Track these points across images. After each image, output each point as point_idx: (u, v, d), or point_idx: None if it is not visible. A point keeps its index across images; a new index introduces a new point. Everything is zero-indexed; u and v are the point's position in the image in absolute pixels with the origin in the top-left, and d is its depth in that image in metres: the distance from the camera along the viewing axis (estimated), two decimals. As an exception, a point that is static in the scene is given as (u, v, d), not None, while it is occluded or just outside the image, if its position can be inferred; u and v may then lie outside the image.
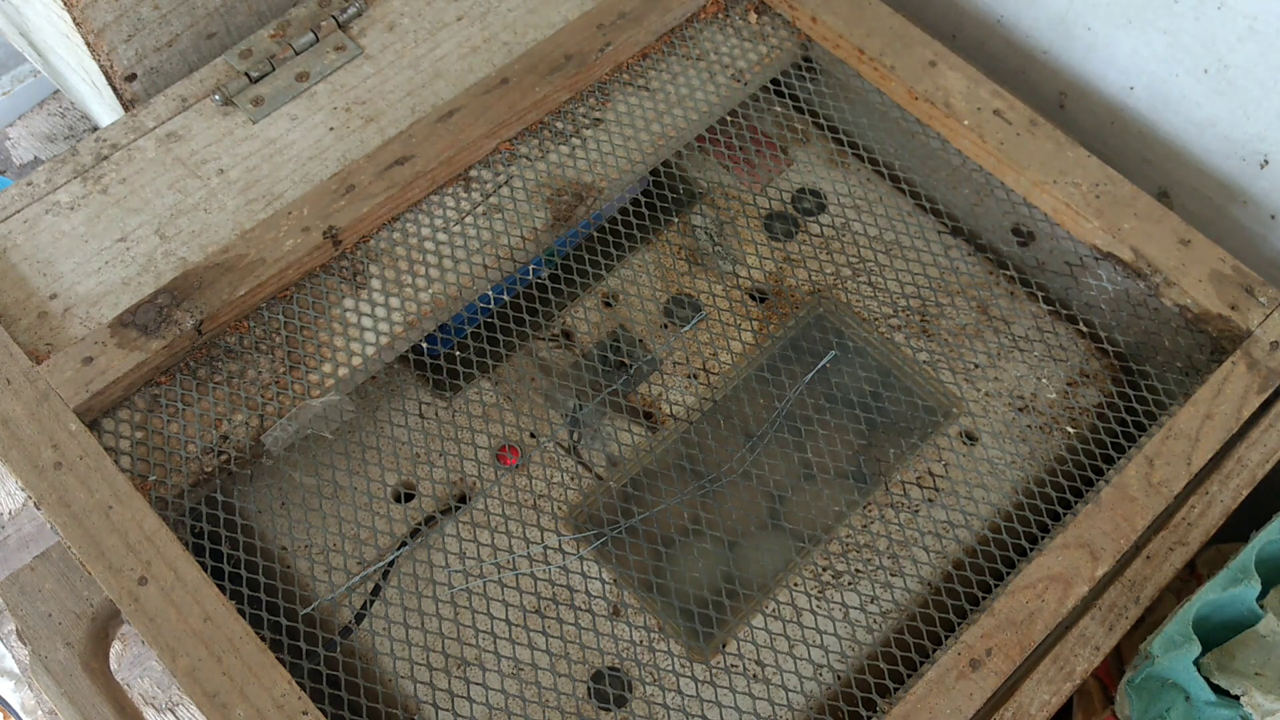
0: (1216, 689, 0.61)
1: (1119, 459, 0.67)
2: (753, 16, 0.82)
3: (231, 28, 0.86)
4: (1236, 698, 0.60)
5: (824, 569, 0.68)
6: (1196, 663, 0.61)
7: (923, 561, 0.68)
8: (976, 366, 0.74)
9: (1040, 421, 0.73)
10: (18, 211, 0.72)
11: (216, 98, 0.76)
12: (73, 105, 1.21)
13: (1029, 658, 0.61)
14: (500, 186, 0.74)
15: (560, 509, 0.69)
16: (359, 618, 0.65)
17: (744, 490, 0.70)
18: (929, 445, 0.71)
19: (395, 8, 0.80)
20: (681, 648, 0.65)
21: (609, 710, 0.64)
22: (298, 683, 0.58)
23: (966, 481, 0.70)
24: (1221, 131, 0.81)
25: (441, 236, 0.72)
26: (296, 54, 0.78)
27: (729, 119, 0.80)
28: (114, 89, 0.83)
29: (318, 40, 0.78)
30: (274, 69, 0.77)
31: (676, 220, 0.79)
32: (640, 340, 0.75)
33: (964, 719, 0.59)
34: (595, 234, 0.78)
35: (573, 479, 0.70)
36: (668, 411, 0.72)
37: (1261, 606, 0.62)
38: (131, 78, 0.82)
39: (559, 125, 0.77)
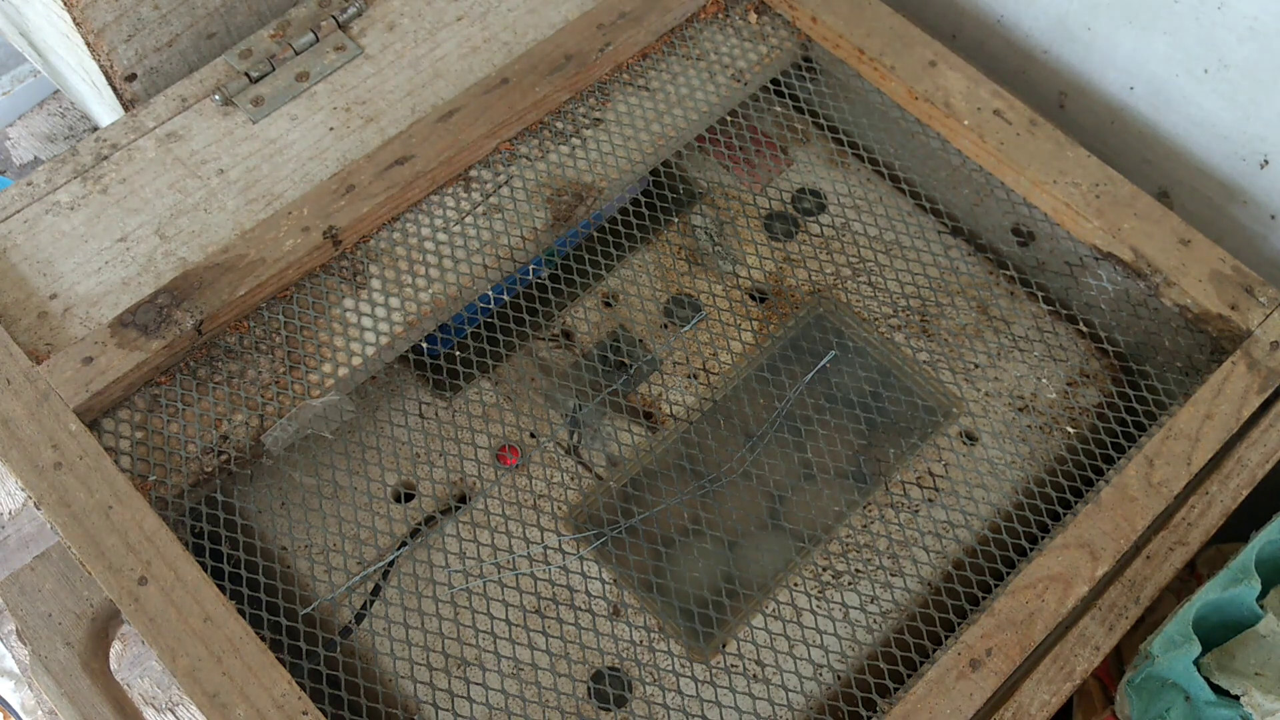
0: (1216, 689, 0.61)
1: (1119, 459, 0.67)
2: (753, 16, 0.82)
3: (231, 28, 0.86)
4: (1236, 698, 0.60)
5: (824, 569, 0.68)
6: (1196, 663, 0.61)
7: (923, 561, 0.68)
8: (976, 366, 0.74)
9: (1040, 421, 0.73)
10: (18, 211, 0.72)
11: (216, 98, 0.76)
12: (73, 105, 1.21)
13: (1029, 658, 0.61)
14: (500, 186, 0.74)
15: (560, 509, 0.69)
16: (359, 618, 0.65)
17: (744, 490, 0.70)
18: (929, 445, 0.71)
19: (395, 8, 0.80)
20: (681, 648, 0.65)
21: (609, 710, 0.64)
22: (298, 683, 0.58)
23: (966, 481, 0.70)
24: (1221, 132, 0.81)
25: (441, 236, 0.72)
26: (296, 54, 0.78)
27: (729, 119, 0.80)
28: (114, 89, 0.83)
29: (318, 40, 0.78)
30: (274, 69, 0.77)
31: (676, 220, 0.79)
32: (640, 340, 0.75)
33: (964, 719, 0.59)
34: (595, 234, 0.78)
35: (573, 479, 0.70)
36: (668, 411, 0.72)
37: (1261, 606, 0.63)
38: (131, 78, 0.82)
39: (559, 125, 0.77)
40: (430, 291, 0.70)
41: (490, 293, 0.73)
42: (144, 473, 0.64)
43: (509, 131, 0.75)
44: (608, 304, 0.76)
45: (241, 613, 0.60)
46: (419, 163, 0.73)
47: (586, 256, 0.77)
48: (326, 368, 0.68)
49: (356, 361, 0.68)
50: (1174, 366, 0.73)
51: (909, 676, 0.61)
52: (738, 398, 0.73)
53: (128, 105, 0.84)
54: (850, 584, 0.67)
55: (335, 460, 0.70)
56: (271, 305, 0.70)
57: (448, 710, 0.63)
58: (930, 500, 0.70)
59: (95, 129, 1.13)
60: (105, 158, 0.74)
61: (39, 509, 0.62)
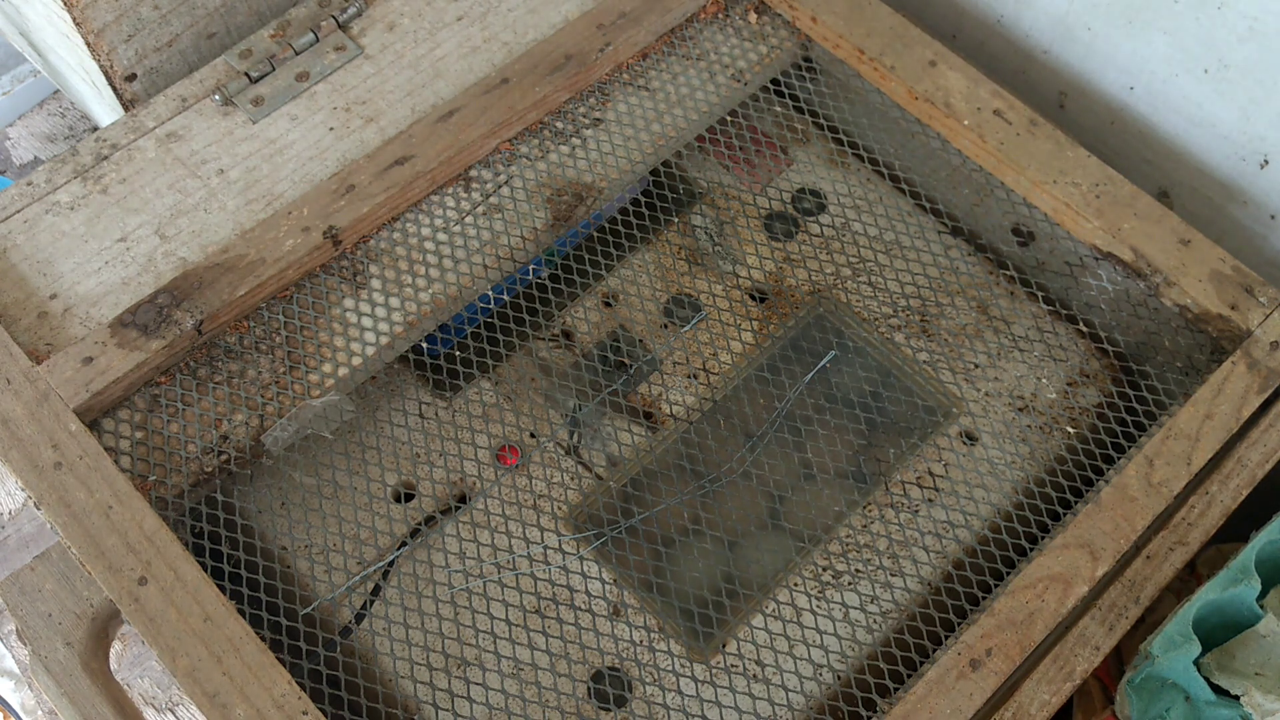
0: (1216, 689, 0.61)
1: (1119, 459, 0.67)
2: (753, 16, 0.82)
3: (231, 28, 0.86)
4: (1236, 698, 0.60)
5: (824, 569, 0.68)
6: (1196, 663, 0.61)
7: (923, 561, 0.68)
8: (976, 366, 0.74)
9: (1040, 421, 0.73)
10: (18, 211, 0.72)
11: (216, 98, 0.76)
12: (73, 105, 1.21)
13: (1029, 658, 0.61)
14: (500, 186, 0.74)
15: (560, 509, 0.69)
16: (359, 618, 0.65)
17: (744, 490, 0.70)
18: (929, 445, 0.71)
19: (395, 8, 0.80)
20: (681, 648, 0.65)
21: (609, 710, 0.64)
22: (298, 683, 0.58)
23: (966, 481, 0.70)
24: (1221, 132, 0.81)
25: (441, 236, 0.72)
26: (296, 54, 0.78)
27: (729, 119, 0.80)
28: (114, 89, 0.83)
29: (318, 40, 0.78)
30: (274, 69, 0.77)
31: (676, 220, 0.79)
32: (640, 340, 0.75)
33: (964, 719, 0.59)
34: (595, 234, 0.78)
35: (573, 479, 0.70)
36: (668, 411, 0.72)
37: (1261, 606, 0.63)
38: (131, 78, 0.82)
39: (559, 125, 0.77)
40: (430, 291, 0.70)
41: (490, 293, 0.73)
42: (144, 473, 0.64)
43: (509, 131, 0.75)
44: (608, 304, 0.76)
45: (241, 613, 0.60)
46: (419, 163, 0.73)
47: (586, 256, 0.77)
48: (326, 368, 0.68)
49: (356, 361, 0.68)
50: (1174, 366, 0.73)
51: (909, 676, 0.61)
52: (738, 398, 0.73)
53: (128, 105, 0.84)
54: (850, 584, 0.67)
55: (335, 460, 0.70)
56: (271, 305, 0.70)
57: (448, 710, 0.63)
58: (930, 500, 0.70)
59: (95, 129, 1.13)
60: (105, 158, 0.74)
61: (39, 509, 0.62)
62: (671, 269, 0.77)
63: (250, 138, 0.75)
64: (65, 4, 0.75)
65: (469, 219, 0.73)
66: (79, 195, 0.73)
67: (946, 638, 0.62)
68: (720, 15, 0.82)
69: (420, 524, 0.68)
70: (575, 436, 0.71)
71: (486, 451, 0.71)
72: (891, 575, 0.67)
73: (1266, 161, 0.79)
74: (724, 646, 0.65)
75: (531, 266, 0.74)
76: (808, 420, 0.72)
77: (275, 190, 0.73)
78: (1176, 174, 0.86)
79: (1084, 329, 0.76)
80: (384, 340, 0.69)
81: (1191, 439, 0.66)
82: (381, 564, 0.66)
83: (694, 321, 0.75)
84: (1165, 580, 0.63)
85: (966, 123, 0.76)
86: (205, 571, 0.61)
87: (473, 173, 0.75)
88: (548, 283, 0.76)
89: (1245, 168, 0.81)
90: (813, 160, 0.82)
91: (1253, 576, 0.62)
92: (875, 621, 0.66)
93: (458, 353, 0.73)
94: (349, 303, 0.70)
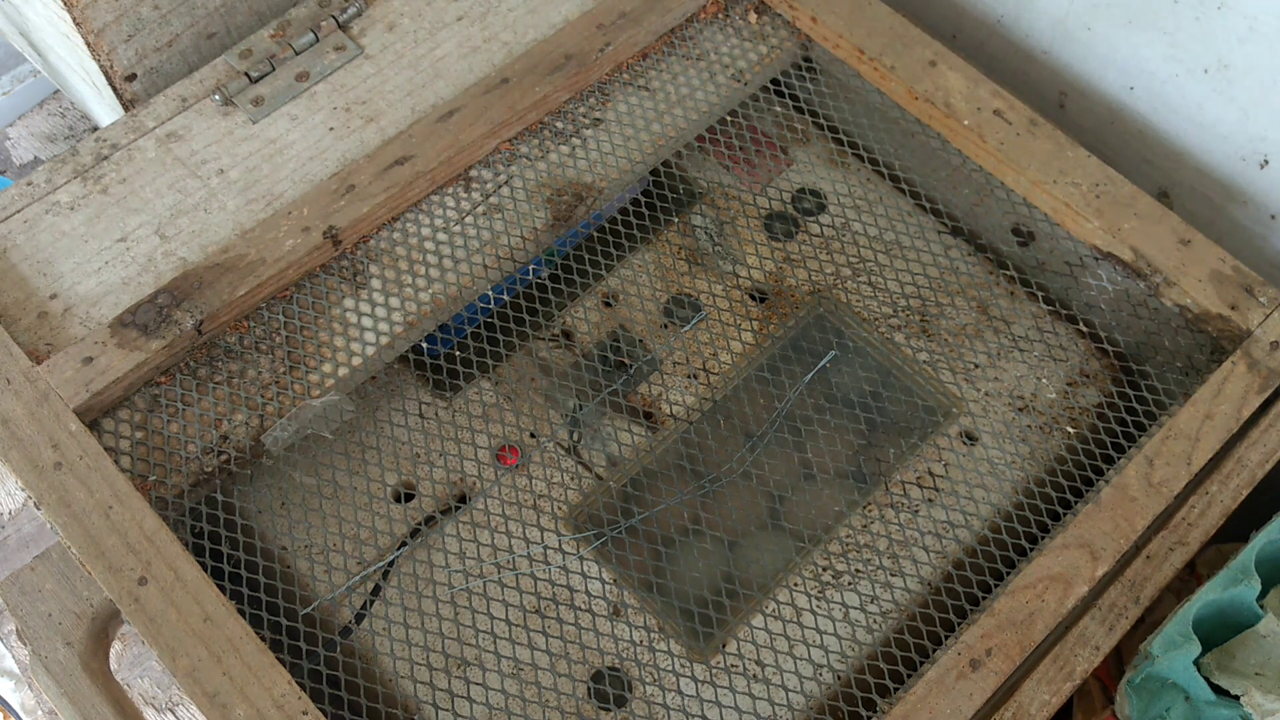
0: (1216, 689, 0.61)
1: (1119, 459, 0.67)
2: (753, 16, 0.82)
3: (231, 28, 0.86)
4: (1236, 698, 0.60)
5: (824, 569, 0.68)
6: (1196, 663, 0.61)
7: (923, 561, 0.68)
8: (976, 366, 0.74)
9: (1040, 421, 0.73)
10: (18, 211, 0.72)
11: (216, 98, 0.76)
12: (73, 105, 1.21)
13: (1029, 658, 0.61)
14: (500, 186, 0.74)
15: (560, 509, 0.69)
16: (359, 618, 0.65)
17: (744, 490, 0.70)
18: (929, 445, 0.71)
19: (395, 8, 0.80)
20: (681, 648, 0.65)
21: (609, 710, 0.64)
22: (298, 683, 0.58)
23: (966, 481, 0.70)
24: (1221, 132, 0.81)
25: (441, 236, 0.72)
26: (296, 54, 0.78)
27: (729, 119, 0.80)
28: (114, 89, 0.83)
29: (318, 40, 0.78)
30: (274, 69, 0.77)
31: (676, 220, 0.79)
32: (640, 340, 0.75)
33: (964, 719, 0.59)
34: (595, 234, 0.78)
35: (573, 479, 0.70)
36: (668, 411, 0.72)
37: (1261, 606, 0.63)
38: (131, 78, 0.82)
39: (559, 125, 0.77)
40: (430, 291, 0.70)
41: (490, 293, 0.73)
42: (144, 473, 0.64)
43: (509, 131, 0.75)
44: (608, 304, 0.76)
45: (241, 613, 0.60)
46: (419, 163, 0.73)
47: (586, 256, 0.77)
48: (326, 368, 0.68)
49: (356, 361, 0.68)
50: (1174, 366, 0.73)
51: (909, 676, 0.61)
52: (738, 398, 0.73)
53: (128, 105, 0.84)
54: (850, 584, 0.67)
55: (335, 460, 0.70)
56: (271, 305, 0.70)
57: (448, 710, 0.63)
58: (930, 500, 0.70)
59: (95, 129, 1.13)
60: (105, 158, 0.74)
61: (39, 509, 0.62)
62: (671, 269, 0.77)
63: (250, 138, 0.75)
64: (65, 4, 0.75)
65: (469, 219, 0.73)
66: (79, 195, 0.73)
67: (946, 638, 0.62)
68: (720, 15, 0.82)
69: (420, 524, 0.68)
70: (575, 436, 0.71)
71: (486, 451, 0.71)
72: (891, 575, 0.67)
73: (1266, 161, 0.79)
74: (724, 646, 0.65)
75: (531, 266, 0.74)
76: (808, 420, 0.72)
77: (275, 190, 0.73)
78: (1176, 174, 0.86)
79: (1084, 329, 0.76)
80: (384, 340, 0.69)
81: (1191, 439, 0.66)
82: (381, 564, 0.66)
83: (694, 321, 0.75)
84: (1165, 580, 0.63)
85: (966, 123, 0.76)
86: (205, 571, 0.61)
87: (473, 173, 0.75)
88: (548, 283, 0.76)
89: (1245, 168, 0.81)
90: (813, 160, 0.82)
91: (1253, 576, 0.62)
92: (875, 621, 0.66)
93: (458, 353, 0.73)
94: (349, 303, 0.70)
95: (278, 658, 0.59)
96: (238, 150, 0.75)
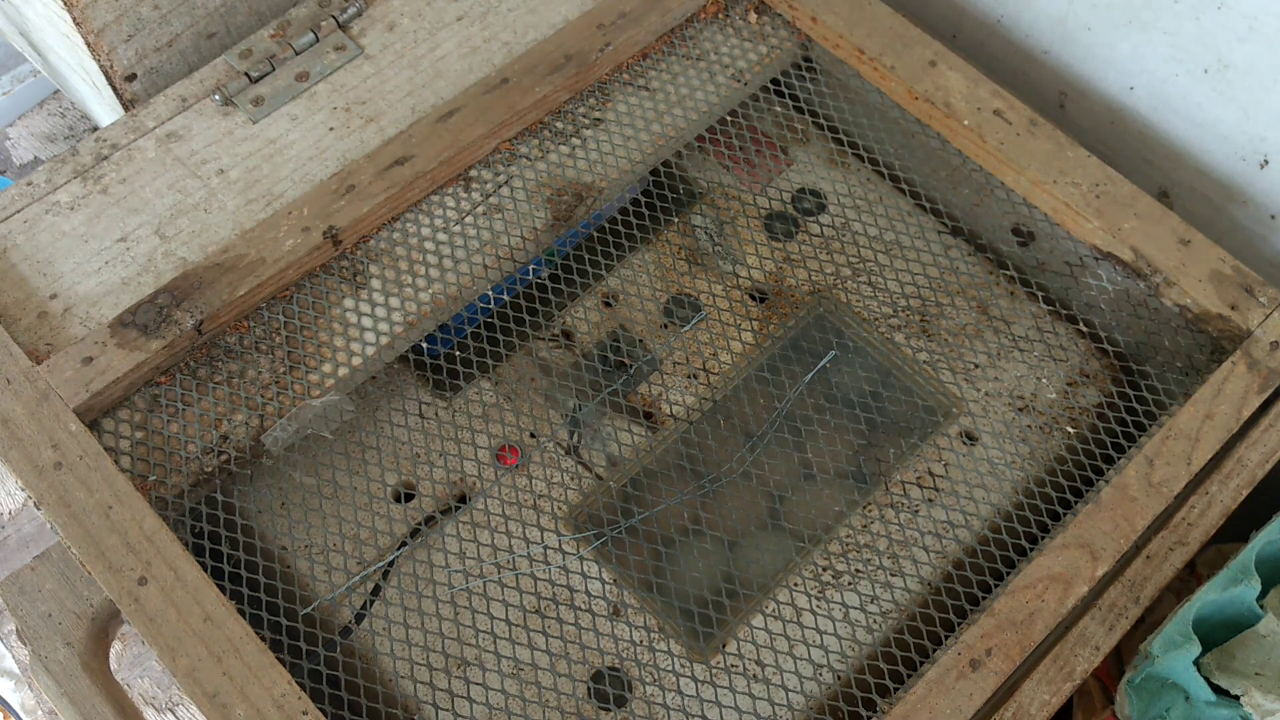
0: (1216, 689, 0.61)
1: (1119, 459, 0.67)
2: (753, 16, 0.82)
3: (231, 28, 0.86)
4: (1236, 698, 0.60)
5: (824, 569, 0.68)
6: (1196, 663, 0.61)
7: (923, 561, 0.68)
8: (976, 366, 0.74)
9: (1040, 421, 0.73)
10: (18, 211, 0.72)
11: (216, 98, 0.76)
12: (73, 105, 1.21)
13: (1029, 658, 0.61)
14: (500, 186, 0.74)
15: (560, 509, 0.69)
16: (359, 618, 0.65)
17: (744, 490, 0.70)
18: (929, 445, 0.71)
19: (395, 8, 0.80)
20: (681, 648, 0.65)
21: (609, 710, 0.64)
22: (298, 683, 0.58)
23: (966, 481, 0.70)
24: (1221, 132, 0.81)
25: (441, 236, 0.72)
26: (296, 54, 0.78)
27: (729, 119, 0.80)
28: (114, 89, 0.83)
29: (318, 40, 0.78)
30: (274, 69, 0.77)
31: (676, 220, 0.79)
32: (640, 340, 0.75)
33: (964, 719, 0.59)
34: (595, 234, 0.78)
35: (573, 479, 0.70)
36: (668, 411, 0.72)
37: (1261, 606, 0.63)
38: (131, 78, 0.82)
39: (559, 125, 0.77)
40: (430, 291, 0.70)
41: (490, 293, 0.73)
42: (144, 473, 0.64)
43: (509, 131, 0.75)
44: (608, 304, 0.76)
45: (241, 613, 0.60)
46: (419, 163, 0.73)
47: (586, 256, 0.77)
48: (326, 368, 0.68)
49: (356, 361, 0.68)
50: (1174, 366, 0.73)
51: (909, 676, 0.61)
52: (738, 398, 0.73)
53: (128, 105, 0.84)
54: (850, 584, 0.67)
55: (335, 460, 0.70)
56: (271, 305, 0.70)
57: (448, 710, 0.63)
58: (930, 500, 0.70)
59: (95, 129, 1.13)
60: (105, 158, 0.74)
61: (39, 509, 0.62)
62: (671, 269, 0.77)
63: (250, 138, 0.75)
64: (65, 4, 0.75)
65: (469, 219, 0.73)
66: (79, 195, 0.73)
67: (946, 638, 0.62)
68: (720, 15, 0.82)
69: (420, 524, 0.68)
70: (575, 436, 0.71)
71: (486, 451, 0.71)
72: (891, 575, 0.67)
73: (1266, 161, 0.79)
74: (724, 646, 0.65)
75: (531, 266, 0.74)
76: (808, 420, 0.72)
77: (275, 190, 0.73)
78: (1176, 174, 0.86)
79: (1084, 329, 0.76)
80: (384, 340, 0.69)
81: (1191, 439, 0.66)
82: (381, 564, 0.66)
83: (694, 321, 0.75)
84: (1165, 580, 0.63)
85: (966, 123, 0.76)
86: (205, 571, 0.61)
87: (473, 173, 0.75)
88: (548, 283, 0.76)
89: (1245, 168, 0.81)
90: (813, 160, 0.82)
91: (1253, 576, 0.62)
92: (875, 621, 0.66)
93: (458, 353, 0.73)
94: (349, 303, 0.70)
95: (278, 658, 0.59)
96: (238, 150, 0.75)
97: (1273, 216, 0.81)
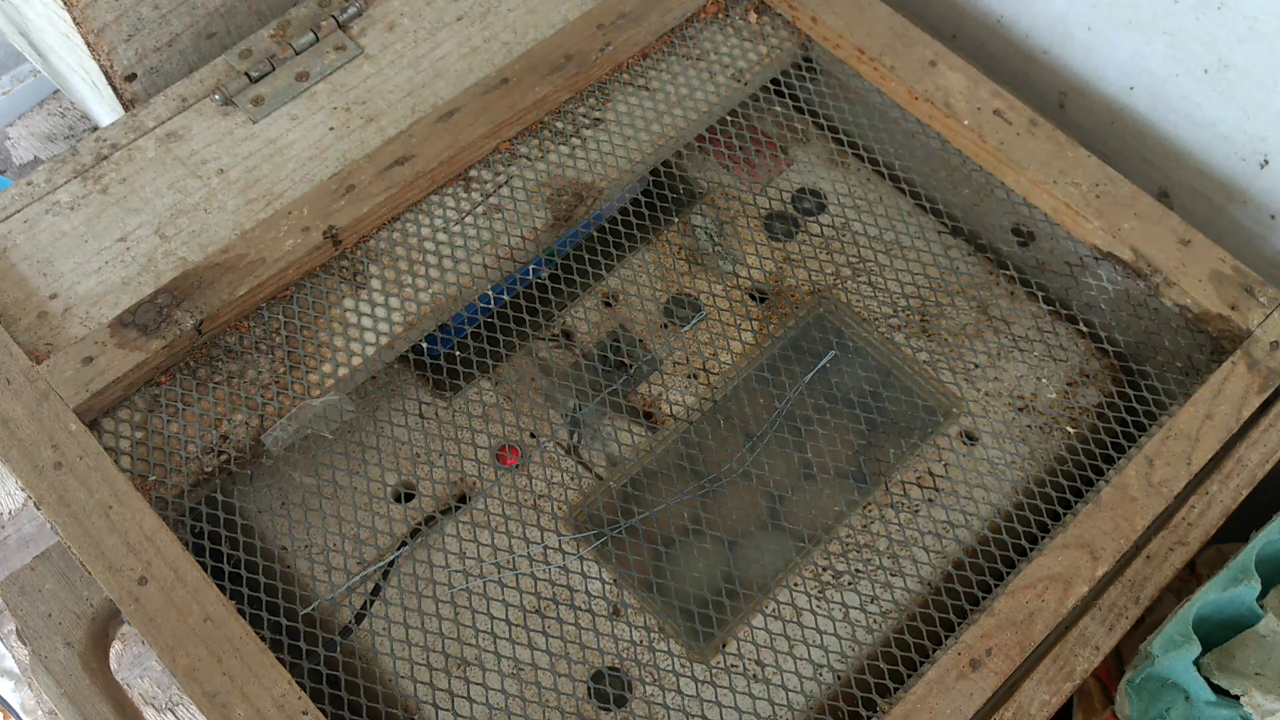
0: (1216, 689, 0.61)
1: (1119, 459, 0.67)
2: (753, 16, 0.82)
3: (231, 28, 0.86)
4: (1236, 698, 0.60)
5: (824, 569, 0.68)
6: (1196, 663, 0.61)
7: (923, 561, 0.68)
8: (976, 366, 0.74)
9: (1040, 421, 0.73)
10: (18, 211, 0.72)
11: (216, 97, 0.76)
12: (73, 105, 1.21)
13: (1029, 658, 0.61)
14: (500, 186, 0.74)
15: (560, 509, 0.69)
16: (359, 618, 0.65)
17: (744, 490, 0.70)
18: (929, 445, 0.71)
19: (395, 7, 0.80)
20: (681, 648, 0.65)
21: (609, 710, 0.64)
22: (298, 683, 0.58)
23: (966, 481, 0.70)
24: (1222, 132, 0.81)
25: (441, 236, 0.72)
26: (296, 54, 0.78)
27: (729, 119, 0.80)
28: (114, 89, 0.83)
29: (318, 40, 0.78)
30: (274, 69, 0.77)
31: (676, 220, 0.79)
32: (640, 340, 0.75)
33: (964, 719, 0.59)
34: (595, 234, 0.78)
35: (573, 479, 0.70)
36: (668, 411, 0.72)
37: (1261, 606, 0.62)
38: (131, 77, 0.82)
39: (559, 125, 0.77)
40: (430, 291, 0.70)
41: (490, 293, 0.73)
42: (144, 473, 0.64)
43: (509, 131, 0.75)
44: (608, 304, 0.76)
45: (241, 613, 0.60)
46: (419, 163, 0.73)
47: (586, 256, 0.77)
48: (326, 368, 0.68)
49: (356, 361, 0.68)
50: (1174, 366, 0.73)
51: (909, 676, 0.61)
52: (738, 398, 0.73)
53: (128, 105, 0.84)
54: (850, 584, 0.67)
55: (335, 460, 0.70)
56: (271, 305, 0.70)
57: (448, 710, 0.63)
58: (930, 500, 0.70)
59: (95, 129, 1.13)
60: (105, 157, 0.74)
61: (39, 509, 0.62)
62: (671, 269, 0.77)
63: (250, 137, 0.75)
64: (65, 4, 0.75)
65: (469, 219, 0.73)
66: (79, 195, 0.73)
67: (946, 638, 0.62)
68: (720, 15, 0.82)
69: (420, 524, 0.68)
70: (575, 436, 0.71)
71: (486, 451, 0.71)
72: (891, 575, 0.67)
73: (1266, 161, 0.79)
74: (724, 646, 0.65)
75: (531, 266, 0.74)
76: (808, 420, 0.72)
77: (275, 190, 0.73)
78: (1176, 174, 0.86)
79: (1084, 329, 0.76)
80: (384, 340, 0.69)
81: (1191, 439, 0.66)
82: (381, 564, 0.66)
83: (694, 321, 0.75)
84: (1165, 580, 0.63)
85: (966, 123, 0.76)
86: (205, 571, 0.61)
87: (473, 173, 0.75)
88: (548, 283, 0.76)
89: (1245, 168, 0.81)
90: (813, 160, 0.82)
91: (1253, 576, 0.62)
92: (875, 621, 0.66)
93: (458, 353, 0.73)
94: (349, 303, 0.70)
95: (278, 658, 0.59)
96: (238, 150, 0.75)
97: (1273, 216, 0.81)
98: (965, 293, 0.77)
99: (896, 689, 0.61)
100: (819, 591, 0.67)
